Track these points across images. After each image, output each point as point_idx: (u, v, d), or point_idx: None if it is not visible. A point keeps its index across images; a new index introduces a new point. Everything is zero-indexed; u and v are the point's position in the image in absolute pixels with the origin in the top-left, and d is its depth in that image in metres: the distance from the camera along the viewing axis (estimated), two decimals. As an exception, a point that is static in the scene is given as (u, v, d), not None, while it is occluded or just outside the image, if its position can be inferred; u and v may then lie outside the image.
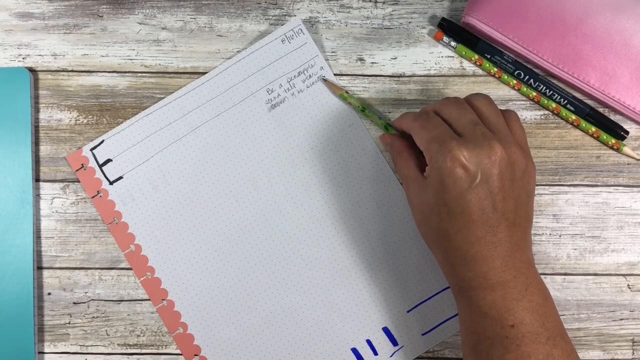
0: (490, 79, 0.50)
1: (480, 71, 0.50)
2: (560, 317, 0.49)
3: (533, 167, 0.42)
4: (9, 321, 0.48)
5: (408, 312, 0.49)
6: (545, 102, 0.49)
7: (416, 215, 0.42)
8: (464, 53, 0.50)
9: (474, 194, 0.38)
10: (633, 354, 0.49)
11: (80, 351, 0.49)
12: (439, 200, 0.39)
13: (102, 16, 0.51)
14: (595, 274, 0.49)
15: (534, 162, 0.50)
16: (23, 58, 0.51)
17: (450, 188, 0.39)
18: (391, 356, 0.49)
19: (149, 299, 0.49)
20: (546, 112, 0.50)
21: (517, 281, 0.39)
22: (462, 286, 0.40)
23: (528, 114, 0.50)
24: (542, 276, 0.49)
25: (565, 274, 0.49)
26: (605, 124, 0.49)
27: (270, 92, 0.50)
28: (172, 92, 0.50)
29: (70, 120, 0.50)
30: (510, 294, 0.39)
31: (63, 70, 0.51)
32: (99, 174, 0.49)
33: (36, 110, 0.50)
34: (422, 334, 0.49)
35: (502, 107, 0.50)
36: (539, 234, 0.49)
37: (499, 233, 0.39)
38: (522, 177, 0.40)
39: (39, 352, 0.49)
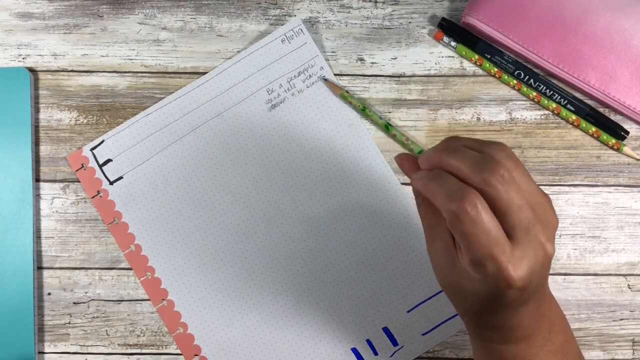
0: (490, 79, 0.50)
1: (480, 71, 0.50)
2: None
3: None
4: (9, 321, 0.48)
5: (408, 312, 0.49)
6: (546, 102, 0.49)
7: (442, 282, 0.36)
8: (464, 53, 0.50)
9: (522, 298, 0.34)
10: (633, 354, 0.49)
11: (80, 351, 0.49)
12: (482, 300, 0.34)
13: (102, 16, 0.51)
14: (596, 274, 0.49)
15: (534, 163, 0.50)
16: (23, 58, 0.51)
17: (499, 301, 0.33)
18: (391, 356, 0.48)
19: (149, 299, 0.49)
20: (546, 112, 0.50)
21: (541, 328, 0.37)
22: (484, 340, 0.38)
23: (528, 114, 0.50)
24: (542, 276, 0.49)
25: (566, 274, 0.49)
26: (605, 124, 0.49)
27: (270, 92, 0.50)
28: (172, 92, 0.50)
29: (70, 120, 0.50)
30: (535, 342, 0.37)
31: (63, 70, 0.51)
32: (99, 174, 0.49)
33: (36, 110, 0.50)
34: (422, 334, 0.49)
35: (502, 107, 0.50)
36: (539, 234, 0.49)
37: (531, 301, 0.35)
38: None
39: (39, 352, 0.49)
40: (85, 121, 0.50)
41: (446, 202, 0.32)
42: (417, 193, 0.37)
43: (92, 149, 0.49)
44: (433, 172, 0.34)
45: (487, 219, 0.31)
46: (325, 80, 0.50)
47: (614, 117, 0.50)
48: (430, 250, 0.36)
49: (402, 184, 0.49)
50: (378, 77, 0.50)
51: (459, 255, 0.34)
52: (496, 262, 0.31)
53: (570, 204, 0.49)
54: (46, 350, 0.49)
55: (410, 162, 0.37)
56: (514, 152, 0.49)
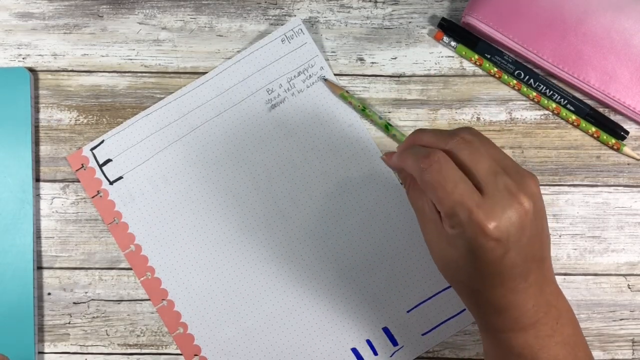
0: (490, 79, 0.50)
1: (480, 71, 0.50)
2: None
3: (537, 184, 0.37)
4: (9, 321, 0.48)
5: (408, 312, 0.49)
6: (546, 102, 0.49)
7: (438, 263, 0.38)
8: (464, 53, 0.50)
9: (506, 258, 0.35)
10: (633, 354, 0.49)
11: (80, 351, 0.49)
12: (469, 264, 0.35)
13: (102, 16, 0.51)
14: (596, 274, 0.49)
15: (534, 163, 0.50)
16: (23, 58, 0.51)
17: (481, 259, 0.34)
18: (391, 356, 0.48)
19: (149, 299, 0.49)
20: (546, 112, 0.50)
21: (548, 317, 0.37)
22: (491, 329, 0.38)
23: (528, 114, 0.50)
24: (542, 276, 0.49)
25: (566, 274, 0.49)
26: (605, 124, 0.49)
27: (270, 92, 0.50)
28: (172, 92, 0.50)
29: (70, 120, 0.50)
30: (542, 332, 0.37)
31: (63, 70, 0.51)
32: (99, 174, 0.49)
33: (36, 110, 0.50)
34: (422, 334, 0.49)
35: (502, 107, 0.50)
36: (539, 234, 0.49)
37: (530, 277, 0.36)
38: (540, 210, 0.36)
39: (39, 352, 0.49)
40: (85, 121, 0.50)
41: (416, 164, 0.36)
42: (403, 179, 0.41)
43: (92, 149, 0.49)
44: (405, 146, 0.39)
45: (452, 168, 0.34)
46: (325, 80, 0.50)
47: (614, 117, 0.50)
48: (424, 233, 0.38)
49: (402, 184, 0.49)
50: (378, 77, 0.50)
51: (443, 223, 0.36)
52: (466, 208, 0.33)
53: (570, 204, 0.49)
54: (46, 350, 0.49)
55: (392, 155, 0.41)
56: (514, 152, 0.50)
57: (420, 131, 0.38)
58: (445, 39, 0.50)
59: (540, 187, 0.49)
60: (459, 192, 0.34)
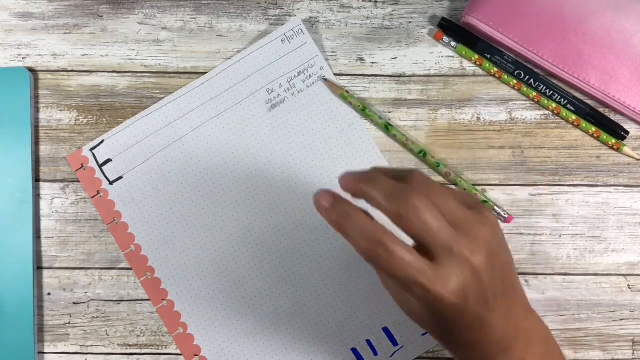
0: (490, 79, 0.50)
1: (480, 71, 0.50)
2: (561, 317, 0.49)
3: (489, 213, 0.37)
4: (9, 321, 0.48)
5: (408, 312, 0.49)
6: (546, 102, 0.49)
7: (403, 310, 0.38)
8: (464, 53, 0.50)
9: (468, 311, 0.35)
10: (633, 354, 0.49)
11: (80, 351, 0.49)
12: (432, 321, 0.36)
13: (102, 16, 0.51)
14: (596, 274, 0.49)
15: (534, 163, 0.50)
16: (23, 58, 0.51)
17: (443, 318, 0.35)
18: (391, 356, 0.48)
19: (149, 299, 0.49)
20: (546, 112, 0.50)
21: (518, 342, 0.37)
22: (463, 359, 0.38)
23: (528, 114, 0.50)
24: (542, 277, 0.49)
25: (566, 274, 0.49)
26: (605, 124, 0.49)
27: (270, 92, 0.50)
28: (172, 92, 0.50)
29: (70, 120, 0.50)
30: (512, 355, 0.37)
31: (63, 70, 0.51)
32: (99, 174, 0.49)
33: (36, 110, 0.50)
34: (422, 334, 0.49)
35: (502, 107, 0.50)
36: (539, 234, 0.49)
37: (496, 309, 0.36)
38: (499, 244, 0.36)
39: (39, 352, 0.49)
40: (85, 121, 0.50)
41: (361, 247, 0.34)
42: (375, 247, 0.35)
43: (92, 149, 0.49)
44: (342, 210, 0.35)
45: (400, 252, 0.33)
46: (325, 80, 0.50)
47: (614, 117, 0.50)
48: (388, 290, 0.38)
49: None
50: (378, 77, 0.50)
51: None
52: (420, 285, 0.33)
53: (571, 204, 0.49)
54: (46, 350, 0.49)
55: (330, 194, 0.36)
56: (514, 152, 0.50)
57: (367, 180, 0.35)
58: (445, 39, 0.50)
59: (541, 187, 0.49)
60: (411, 271, 0.33)
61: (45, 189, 0.50)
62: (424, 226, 0.33)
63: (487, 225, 0.35)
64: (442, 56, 0.50)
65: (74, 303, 0.49)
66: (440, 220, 0.34)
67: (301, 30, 0.50)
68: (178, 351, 0.49)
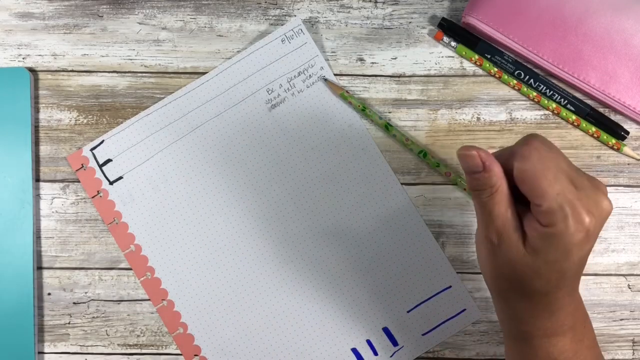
0: (490, 79, 0.50)
1: (480, 71, 0.50)
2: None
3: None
4: (9, 321, 0.48)
5: (408, 312, 0.49)
6: (546, 102, 0.49)
7: (500, 270, 0.36)
8: (464, 53, 0.50)
9: (584, 256, 0.35)
10: (633, 354, 0.49)
11: (80, 351, 0.49)
12: (554, 267, 0.34)
13: (102, 16, 0.51)
14: (596, 274, 0.49)
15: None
16: (23, 58, 0.51)
17: (573, 256, 0.34)
18: (391, 356, 0.48)
19: (149, 299, 0.49)
20: (546, 112, 0.50)
21: (579, 321, 0.38)
22: (534, 335, 0.38)
23: (528, 114, 0.50)
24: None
25: (566, 274, 0.49)
26: (605, 124, 0.49)
27: (270, 92, 0.50)
28: (172, 92, 0.50)
29: (70, 120, 0.50)
30: (576, 336, 0.37)
31: (63, 70, 0.51)
32: (99, 174, 0.49)
33: (36, 110, 0.50)
34: (422, 334, 0.49)
35: (502, 108, 0.50)
36: (539, 234, 0.49)
37: (578, 279, 0.37)
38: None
39: (39, 352, 0.49)
40: (85, 121, 0.50)
41: (513, 154, 0.35)
42: (483, 184, 0.36)
43: (92, 149, 0.49)
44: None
45: (551, 158, 0.34)
46: (325, 80, 0.50)
47: (614, 117, 0.50)
48: (491, 244, 0.36)
49: (402, 184, 0.49)
50: (378, 77, 0.50)
51: (527, 223, 0.35)
52: (569, 200, 0.33)
53: (570, 204, 0.49)
54: (46, 350, 0.49)
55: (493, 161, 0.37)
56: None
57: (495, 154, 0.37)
58: (445, 39, 0.50)
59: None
60: (561, 184, 0.33)
61: (46, 189, 0.50)
62: (543, 169, 0.34)
63: (607, 200, 0.35)
64: (442, 56, 0.50)
65: (74, 303, 0.49)
66: (561, 173, 0.34)
67: (301, 30, 0.50)
68: (178, 351, 0.49)
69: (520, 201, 0.36)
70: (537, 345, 0.38)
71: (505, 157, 0.36)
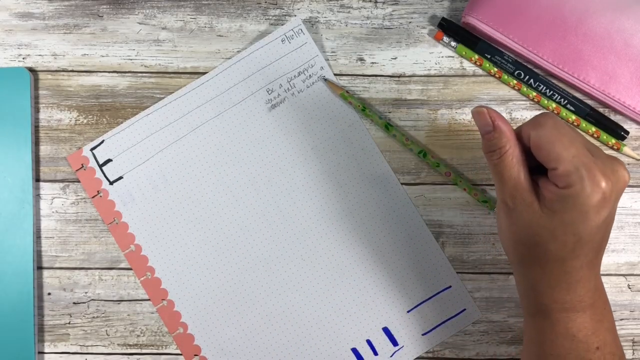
0: (490, 79, 0.50)
1: (480, 71, 0.50)
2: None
3: None
4: (9, 321, 0.48)
5: (408, 312, 0.49)
6: (546, 102, 0.49)
7: (518, 235, 0.37)
8: (464, 53, 0.50)
9: (606, 225, 0.35)
10: (633, 354, 0.49)
11: (80, 351, 0.49)
12: (570, 230, 0.35)
13: (102, 16, 0.51)
14: (596, 274, 0.49)
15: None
16: (23, 58, 0.51)
17: (590, 220, 0.34)
18: (391, 356, 0.49)
19: (149, 299, 0.49)
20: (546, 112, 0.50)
21: (600, 301, 0.38)
22: (553, 308, 0.38)
23: (528, 114, 0.50)
24: (542, 276, 0.49)
25: (566, 274, 0.49)
26: (605, 124, 0.49)
27: (270, 92, 0.50)
28: (172, 92, 0.50)
29: (70, 120, 0.50)
30: (596, 315, 0.37)
31: (63, 70, 0.51)
32: (99, 174, 0.49)
33: (36, 110, 0.50)
34: (422, 334, 0.49)
35: (502, 107, 0.50)
36: (539, 234, 0.49)
37: (600, 253, 0.37)
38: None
39: (39, 352, 0.49)
40: (85, 121, 0.50)
41: (529, 122, 0.37)
42: (497, 145, 0.38)
43: (92, 149, 0.49)
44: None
45: (566, 125, 0.36)
46: (325, 80, 0.50)
47: (614, 117, 0.50)
48: (508, 208, 0.37)
49: (402, 184, 0.49)
50: (378, 77, 0.50)
51: (544, 186, 0.36)
52: (585, 163, 0.34)
53: (570, 204, 0.49)
54: (46, 350, 0.49)
55: (505, 123, 0.38)
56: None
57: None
58: (445, 39, 0.50)
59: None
60: (577, 147, 0.34)
61: (46, 189, 0.50)
62: (559, 134, 0.35)
63: (625, 170, 0.36)
64: (442, 56, 0.50)
65: (74, 303, 0.49)
66: (577, 139, 0.35)
67: (301, 30, 0.50)
68: (178, 351, 0.49)
69: (539, 172, 0.37)
70: (555, 320, 0.38)
71: (521, 129, 0.37)
